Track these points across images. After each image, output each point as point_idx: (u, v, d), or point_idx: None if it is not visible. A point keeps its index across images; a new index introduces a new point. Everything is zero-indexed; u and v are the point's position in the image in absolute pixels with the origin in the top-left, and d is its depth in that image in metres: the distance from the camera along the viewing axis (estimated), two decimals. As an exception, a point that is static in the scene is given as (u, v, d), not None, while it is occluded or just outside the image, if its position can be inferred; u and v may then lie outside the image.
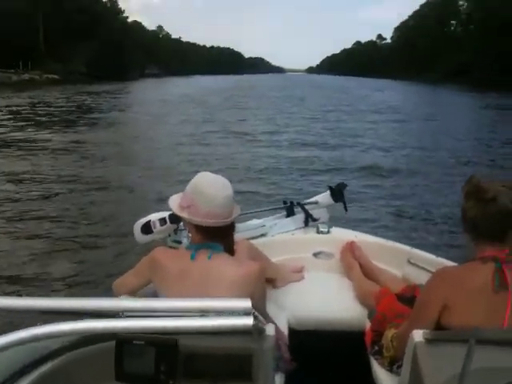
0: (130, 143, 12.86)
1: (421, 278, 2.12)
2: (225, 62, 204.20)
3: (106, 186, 8.01)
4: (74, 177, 8.55)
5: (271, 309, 2.03)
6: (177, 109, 23.23)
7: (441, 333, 1.41)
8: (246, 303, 1.09)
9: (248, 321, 1.08)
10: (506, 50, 55.71)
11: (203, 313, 1.13)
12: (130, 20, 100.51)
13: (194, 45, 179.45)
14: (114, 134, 14.39)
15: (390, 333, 1.86)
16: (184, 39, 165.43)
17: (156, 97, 32.53)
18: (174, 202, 1.65)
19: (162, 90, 42.23)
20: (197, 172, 1.67)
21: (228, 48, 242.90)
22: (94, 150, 11.43)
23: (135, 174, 9.04)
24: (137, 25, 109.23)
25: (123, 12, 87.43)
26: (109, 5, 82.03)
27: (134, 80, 62.90)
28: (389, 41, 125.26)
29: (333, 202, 2.88)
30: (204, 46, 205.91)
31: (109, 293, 1.79)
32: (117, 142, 12.86)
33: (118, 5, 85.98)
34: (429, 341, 1.34)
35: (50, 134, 14.14)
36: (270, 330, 1.33)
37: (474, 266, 1.51)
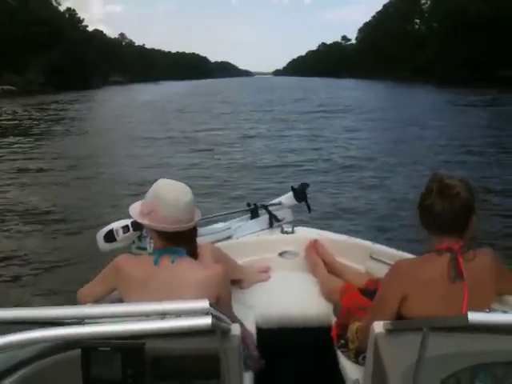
0: (81, 155, 12.16)
1: (383, 271, 2.16)
2: (191, 66, 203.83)
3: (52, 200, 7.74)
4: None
5: (239, 309, 2.08)
6: (135, 118, 22.00)
7: (398, 323, 1.48)
8: (204, 303, 1.12)
9: (207, 320, 1.10)
10: (470, 48, 56.91)
11: (163, 315, 1.15)
12: (91, 29, 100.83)
13: (158, 51, 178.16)
14: (62, 147, 13.62)
15: (354, 326, 1.94)
16: (148, 46, 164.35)
17: (115, 105, 31.17)
18: (135, 209, 1.68)
19: (123, 98, 40.55)
20: (155, 180, 1.70)
21: (193, 53, 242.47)
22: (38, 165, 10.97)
23: (83, 188, 8.69)
24: (98, 33, 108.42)
25: (83, 21, 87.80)
26: (67, 15, 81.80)
27: (97, 88, 61.34)
28: (353, 41, 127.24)
29: (296, 202, 2.97)
30: (169, 52, 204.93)
31: (73, 302, 1.80)
32: (64, 155, 12.16)
33: (76, 14, 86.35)
34: (389, 331, 1.40)
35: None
36: (235, 329, 1.38)
37: (429, 257, 1.59)
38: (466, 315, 1.05)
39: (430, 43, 71.59)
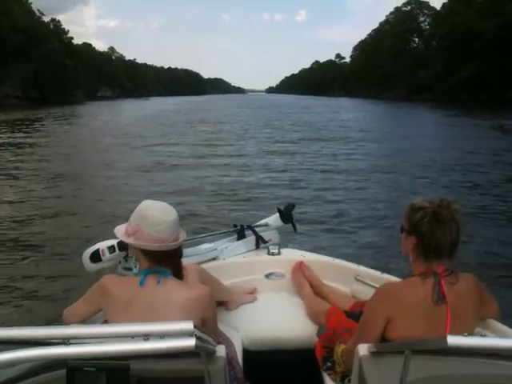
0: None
1: (368, 294, 2.22)
2: (183, 82, 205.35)
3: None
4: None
5: (225, 330, 2.15)
6: (100, 144, 18.86)
7: (382, 345, 1.54)
8: (188, 325, 1.13)
9: (190, 342, 1.11)
10: (472, 67, 56.64)
11: (147, 336, 1.17)
12: (80, 42, 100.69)
13: (150, 66, 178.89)
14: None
15: (339, 348, 2.00)
16: (140, 61, 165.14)
17: (84, 127, 28.07)
18: (120, 230, 1.73)
19: (102, 117, 36.25)
20: (136, 203, 1.75)
21: (186, 69, 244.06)
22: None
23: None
24: (86, 47, 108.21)
25: (68, 32, 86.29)
26: (52, 26, 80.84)
27: (79, 104, 57.80)
28: (348, 59, 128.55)
29: (282, 223, 3.06)
30: (161, 68, 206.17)
31: (58, 322, 1.84)
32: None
33: (61, 25, 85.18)
34: (373, 354, 1.45)
35: None
36: (220, 351, 1.42)
37: (414, 281, 1.66)
38: (446, 338, 1.09)
39: (430, 61, 71.31)
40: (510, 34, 52.20)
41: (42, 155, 15.40)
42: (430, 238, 1.63)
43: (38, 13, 74.78)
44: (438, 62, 67.48)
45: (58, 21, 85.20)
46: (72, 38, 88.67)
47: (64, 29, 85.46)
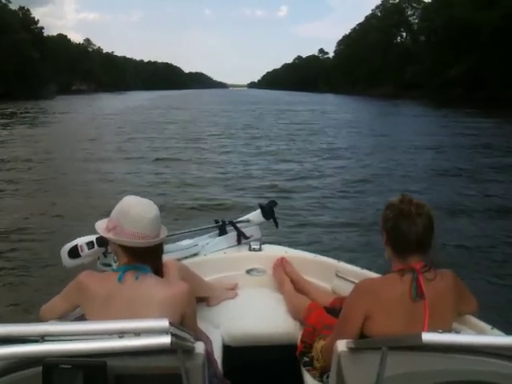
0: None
1: (349, 290, 2.27)
2: (163, 76, 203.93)
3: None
4: None
5: (205, 327, 2.19)
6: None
7: (360, 341, 1.58)
8: (163, 322, 1.15)
9: (166, 339, 1.13)
10: (465, 62, 54.40)
11: (123, 334, 1.19)
12: (55, 34, 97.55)
13: (129, 60, 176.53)
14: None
15: (319, 344, 2.06)
16: (119, 54, 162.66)
17: (41, 125, 25.07)
18: (101, 225, 1.74)
19: (64, 115, 32.45)
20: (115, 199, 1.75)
21: (166, 63, 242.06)
22: None
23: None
24: (61, 38, 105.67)
25: (37, 22, 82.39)
26: (21, 14, 77.20)
27: (48, 99, 54.36)
28: (332, 55, 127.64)
29: (264, 219, 3.11)
30: (141, 61, 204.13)
31: (36, 318, 1.84)
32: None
33: (31, 14, 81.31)
34: (351, 350, 1.50)
35: None
36: (199, 347, 1.45)
37: (392, 277, 1.71)
38: (420, 335, 1.14)
39: (420, 57, 69.23)
40: (510, 28, 48.92)
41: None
42: (395, 232, 1.70)
43: (4, 0, 70.63)
44: (428, 56, 65.13)
45: (28, 9, 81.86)
46: (42, 28, 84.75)
47: (34, 18, 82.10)
